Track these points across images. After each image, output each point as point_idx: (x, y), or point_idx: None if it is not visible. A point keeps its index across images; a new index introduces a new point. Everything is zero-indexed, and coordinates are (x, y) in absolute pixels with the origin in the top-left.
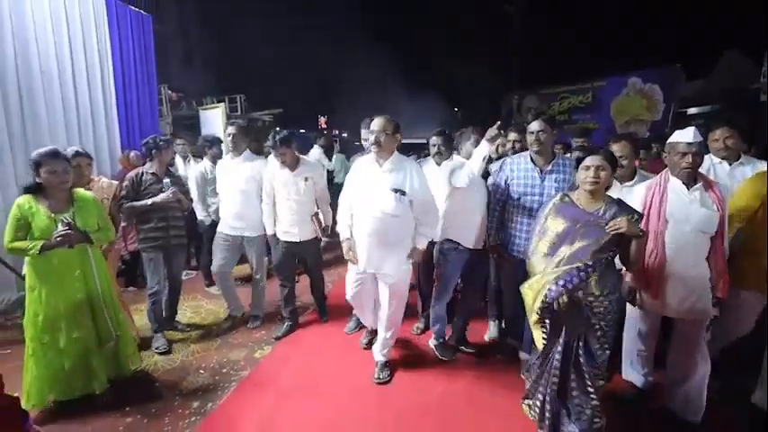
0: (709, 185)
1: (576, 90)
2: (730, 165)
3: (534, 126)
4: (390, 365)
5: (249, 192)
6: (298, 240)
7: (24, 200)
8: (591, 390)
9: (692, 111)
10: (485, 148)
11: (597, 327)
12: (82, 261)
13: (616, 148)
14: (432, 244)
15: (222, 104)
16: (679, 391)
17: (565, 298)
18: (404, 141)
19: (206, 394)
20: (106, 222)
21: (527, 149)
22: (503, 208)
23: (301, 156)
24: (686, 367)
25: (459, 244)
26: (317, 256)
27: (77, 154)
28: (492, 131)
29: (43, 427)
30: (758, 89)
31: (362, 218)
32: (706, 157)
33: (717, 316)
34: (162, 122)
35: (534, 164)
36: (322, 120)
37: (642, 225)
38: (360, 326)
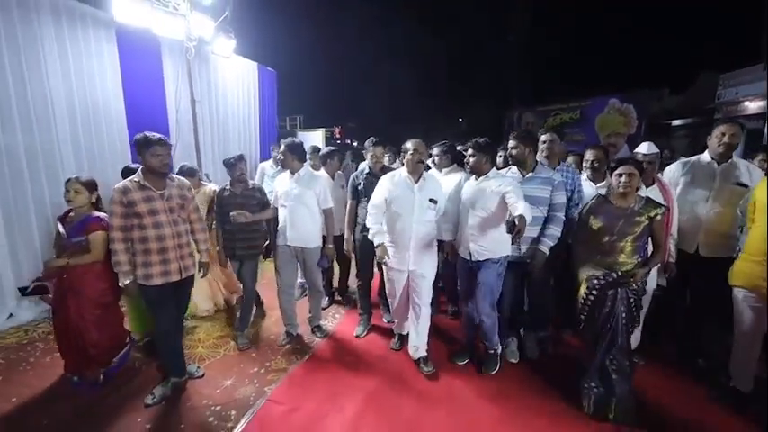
0: (661, 185)
1: (566, 108)
2: (718, 165)
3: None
4: (430, 357)
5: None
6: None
7: None
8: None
9: (675, 122)
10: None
11: (632, 299)
12: None
13: (590, 155)
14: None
15: (323, 129)
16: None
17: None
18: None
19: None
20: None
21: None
22: None
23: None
24: None
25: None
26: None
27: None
28: None
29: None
30: (712, 109)
31: (404, 225)
32: (694, 158)
33: (660, 285)
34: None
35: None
36: (336, 130)
37: None
38: (368, 330)
